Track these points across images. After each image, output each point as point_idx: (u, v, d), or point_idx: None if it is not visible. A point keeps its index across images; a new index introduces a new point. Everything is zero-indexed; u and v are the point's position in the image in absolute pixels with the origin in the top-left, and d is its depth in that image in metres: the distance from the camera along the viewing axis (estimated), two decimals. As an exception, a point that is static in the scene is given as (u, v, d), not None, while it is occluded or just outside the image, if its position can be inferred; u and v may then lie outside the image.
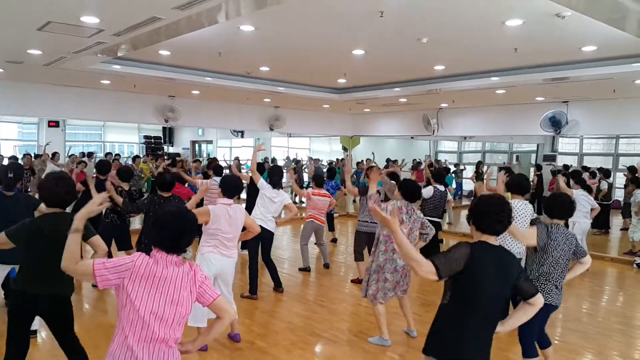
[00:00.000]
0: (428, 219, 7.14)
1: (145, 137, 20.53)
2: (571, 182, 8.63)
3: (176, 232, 2.38)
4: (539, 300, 2.70)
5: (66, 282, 3.39)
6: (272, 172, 6.48)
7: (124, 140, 20.91)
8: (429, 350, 2.68)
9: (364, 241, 6.88)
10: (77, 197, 3.72)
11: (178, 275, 2.36)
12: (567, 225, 7.80)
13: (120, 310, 2.32)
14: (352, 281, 7.19)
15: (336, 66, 7.54)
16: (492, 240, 2.64)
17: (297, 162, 16.41)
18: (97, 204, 2.56)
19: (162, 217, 2.42)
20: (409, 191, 4.88)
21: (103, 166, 7.41)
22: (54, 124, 15.62)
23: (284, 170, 8.43)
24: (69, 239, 2.41)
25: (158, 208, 4.96)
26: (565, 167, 13.54)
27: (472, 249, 2.55)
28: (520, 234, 3.82)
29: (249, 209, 6.75)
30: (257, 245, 6.39)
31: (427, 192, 7.36)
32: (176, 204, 2.37)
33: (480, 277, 2.54)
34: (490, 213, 2.61)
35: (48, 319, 3.45)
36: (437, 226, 7.62)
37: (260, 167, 8.18)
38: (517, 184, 4.94)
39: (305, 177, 15.50)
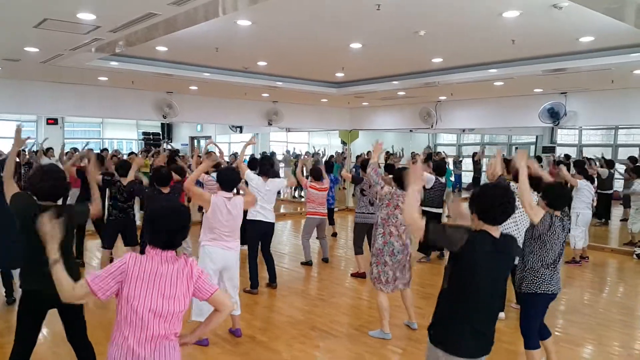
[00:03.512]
0: (427, 210, 7.23)
1: (144, 133, 20.54)
2: (572, 170, 8.59)
3: (170, 229, 2.36)
4: None
5: (67, 270, 3.37)
6: (261, 162, 6.45)
7: (123, 136, 20.89)
8: (432, 338, 2.68)
9: (363, 233, 6.90)
10: (68, 189, 3.64)
11: (173, 272, 2.35)
12: (569, 217, 7.89)
13: (118, 314, 2.34)
14: (352, 275, 7.20)
15: (334, 60, 7.51)
16: (493, 230, 2.58)
17: (296, 156, 16.35)
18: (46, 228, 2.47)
19: (156, 214, 2.39)
20: (400, 177, 4.87)
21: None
22: (52, 121, 15.60)
23: (279, 161, 8.30)
24: (53, 272, 2.33)
25: (151, 204, 4.96)
26: (567, 156, 13.49)
27: (470, 236, 2.52)
28: (531, 206, 3.71)
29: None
30: (258, 240, 6.39)
31: (429, 179, 7.33)
32: (169, 199, 2.37)
33: (476, 266, 2.53)
34: (496, 205, 2.56)
35: (60, 310, 3.41)
36: (437, 218, 7.64)
37: (254, 163, 8.13)
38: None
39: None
